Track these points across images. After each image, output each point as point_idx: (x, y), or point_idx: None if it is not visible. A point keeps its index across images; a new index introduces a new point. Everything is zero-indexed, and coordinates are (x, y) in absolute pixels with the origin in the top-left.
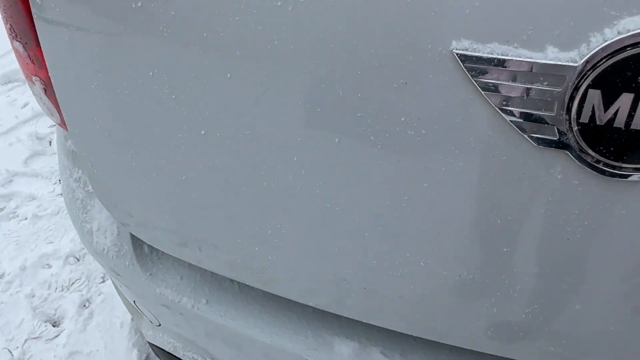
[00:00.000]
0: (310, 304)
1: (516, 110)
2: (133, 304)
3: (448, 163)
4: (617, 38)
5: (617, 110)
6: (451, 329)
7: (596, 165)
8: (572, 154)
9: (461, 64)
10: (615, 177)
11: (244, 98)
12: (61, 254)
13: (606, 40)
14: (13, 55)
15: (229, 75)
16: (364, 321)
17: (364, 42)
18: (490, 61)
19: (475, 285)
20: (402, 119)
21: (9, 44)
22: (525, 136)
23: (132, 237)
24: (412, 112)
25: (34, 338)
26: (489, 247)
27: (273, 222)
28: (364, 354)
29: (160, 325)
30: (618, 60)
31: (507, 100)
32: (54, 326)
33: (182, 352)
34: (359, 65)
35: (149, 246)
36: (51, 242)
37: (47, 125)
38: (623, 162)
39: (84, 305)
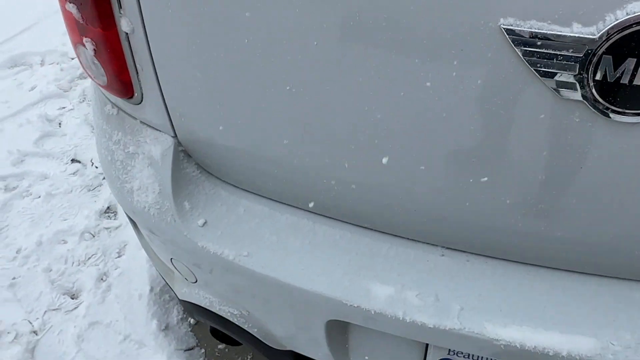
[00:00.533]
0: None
1: (547, 70)
2: (169, 262)
3: (495, 109)
4: (626, 17)
5: (623, 71)
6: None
7: (605, 111)
8: (588, 104)
9: (507, 36)
10: (618, 120)
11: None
12: (76, 231)
13: (617, 19)
14: (19, 40)
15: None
16: (409, 237)
17: (436, 19)
18: (529, 34)
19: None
20: (461, 77)
21: (14, 28)
22: (554, 90)
23: (174, 193)
24: (468, 73)
25: (54, 310)
26: (528, 171)
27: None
28: (400, 297)
29: (196, 281)
30: (626, 34)
31: (541, 63)
32: (72, 298)
33: (218, 307)
34: (430, 34)
35: (190, 203)
36: (65, 220)
37: (55, 107)
38: (626, 109)
39: (101, 279)
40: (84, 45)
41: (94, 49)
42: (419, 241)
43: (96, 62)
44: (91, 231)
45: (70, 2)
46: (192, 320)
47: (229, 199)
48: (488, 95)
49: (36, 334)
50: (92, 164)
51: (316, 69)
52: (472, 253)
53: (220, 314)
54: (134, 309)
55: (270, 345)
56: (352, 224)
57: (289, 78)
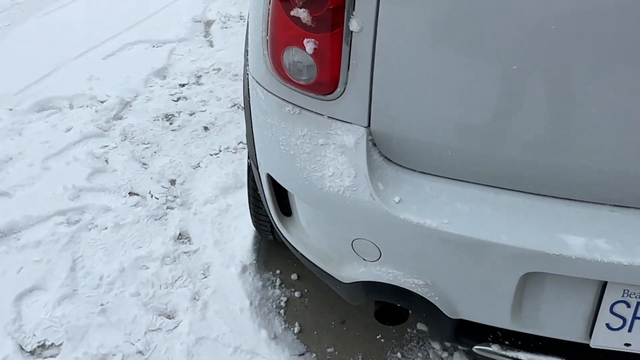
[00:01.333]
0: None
1: None
2: (349, 245)
3: None
4: None
5: None
6: None
7: None
8: None
9: None
10: None
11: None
12: (156, 256)
13: None
14: (42, 85)
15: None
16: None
17: None
18: None
19: None
20: None
21: (36, 74)
22: None
23: (370, 176)
24: None
25: (153, 330)
26: None
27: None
28: (592, 244)
29: (379, 258)
30: None
31: None
32: (169, 318)
33: (403, 280)
34: None
35: (382, 184)
36: (140, 247)
37: (98, 146)
38: None
39: (195, 298)
40: (301, 47)
41: (315, 49)
42: (589, 202)
43: (311, 61)
44: (170, 256)
45: (300, 8)
46: (295, 329)
47: (412, 180)
48: None
49: (142, 354)
50: (152, 195)
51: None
52: (636, 208)
53: (404, 287)
54: (238, 323)
55: (445, 313)
56: (529, 193)
57: (504, 78)
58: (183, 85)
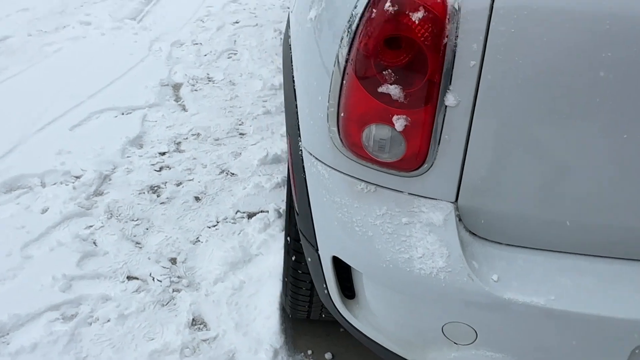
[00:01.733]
0: None
1: None
2: (440, 329)
3: None
4: None
5: None
6: None
7: None
8: None
9: None
10: None
11: None
12: (173, 348)
13: None
14: (7, 162)
15: None
16: None
17: None
18: None
19: None
20: None
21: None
22: None
23: (465, 254)
24: None
25: None
26: None
27: None
28: None
29: (474, 341)
30: None
31: None
32: None
33: None
34: None
35: (476, 262)
36: (152, 339)
37: (82, 227)
38: None
39: None
40: (389, 124)
41: (406, 125)
42: None
43: (398, 138)
44: (189, 346)
45: (391, 84)
46: None
47: (502, 255)
48: None
49: None
50: (153, 278)
51: None
52: None
53: None
54: None
55: None
56: (625, 259)
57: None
58: (163, 154)
